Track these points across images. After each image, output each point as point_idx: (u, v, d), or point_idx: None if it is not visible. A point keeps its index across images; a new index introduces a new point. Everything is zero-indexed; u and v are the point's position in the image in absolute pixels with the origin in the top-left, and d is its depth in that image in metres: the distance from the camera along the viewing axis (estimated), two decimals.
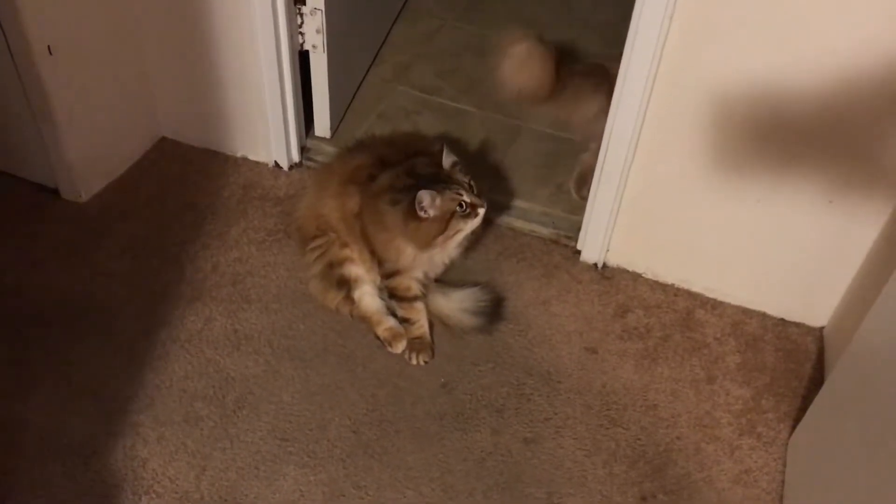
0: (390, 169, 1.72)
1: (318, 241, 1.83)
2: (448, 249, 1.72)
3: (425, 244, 1.66)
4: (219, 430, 1.66)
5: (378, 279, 1.83)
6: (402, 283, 1.78)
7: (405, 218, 1.63)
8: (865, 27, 1.49)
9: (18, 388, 1.70)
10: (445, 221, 1.63)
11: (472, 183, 1.66)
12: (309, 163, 2.24)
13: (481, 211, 1.65)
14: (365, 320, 1.85)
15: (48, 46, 1.83)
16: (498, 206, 2.15)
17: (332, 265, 1.82)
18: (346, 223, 1.79)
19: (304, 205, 1.93)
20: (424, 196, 1.59)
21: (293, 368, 1.78)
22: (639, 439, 1.70)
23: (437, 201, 1.60)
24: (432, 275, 1.84)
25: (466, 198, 1.63)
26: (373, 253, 1.78)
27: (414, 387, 1.77)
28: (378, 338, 1.84)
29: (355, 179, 1.77)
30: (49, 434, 1.64)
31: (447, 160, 1.68)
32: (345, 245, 1.81)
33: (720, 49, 1.62)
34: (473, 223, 1.66)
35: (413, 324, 1.82)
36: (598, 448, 1.68)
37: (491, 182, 2.21)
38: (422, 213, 1.61)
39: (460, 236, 1.68)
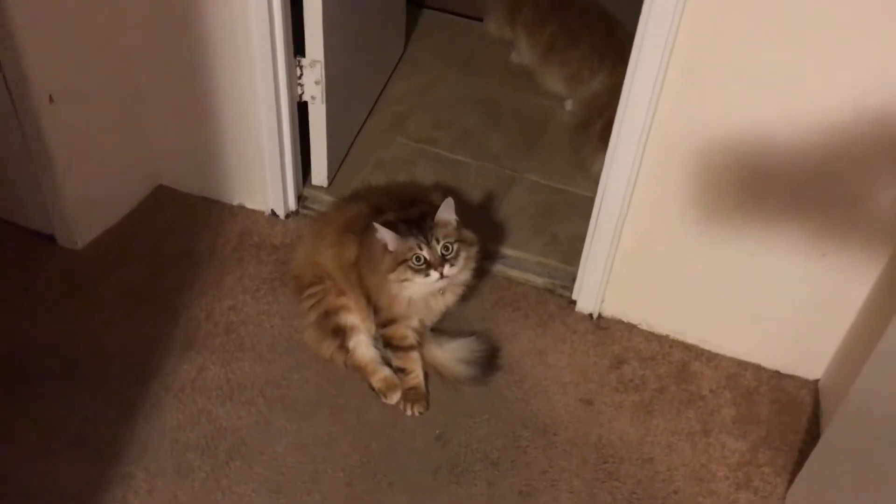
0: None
1: (314, 289, 1.83)
2: (408, 292, 1.68)
3: (380, 272, 1.67)
4: (210, 481, 1.64)
5: (373, 329, 1.83)
6: (397, 331, 1.78)
7: (376, 242, 1.66)
8: (855, 84, 1.52)
9: (7, 437, 1.68)
10: (396, 263, 1.64)
11: (450, 245, 1.65)
12: (306, 211, 2.25)
13: (434, 273, 1.63)
14: (359, 370, 1.84)
15: (49, 95, 1.85)
16: (493, 256, 2.16)
17: (328, 313, 1.82)
18: (342, 271, 1.80)
19: (301, 253, 1.94)
20: (381, 228, 1.62)
21: (286, 419, 1.76)
22: (635, 493, 1.68)
23: (393, 244, 1.63)
24: (428, 323, 1.84)
25: (426, 254, 1.62)
26: (369, 301, 1.78)
27: (408, 438, 1.75)
28: (372, 388, 1.83)
29: (352, 228, 1.78)
30: (38, 485, 1.61)
31: (444, 214, 1.68)
32: (341, 293, 1.81)
33: (713, 104, 1.65)
34: (426, 282, 1.64)
35: (408, 374, 1.81)
36: (594, 502, 1.66)
37: (486, 231, 2.21)
38: (383, 242, 1.64)
39: (411, 287, 1.66)
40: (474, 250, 1.73)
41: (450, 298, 1.78)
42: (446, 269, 1.64)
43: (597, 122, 2.39)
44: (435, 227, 1.65)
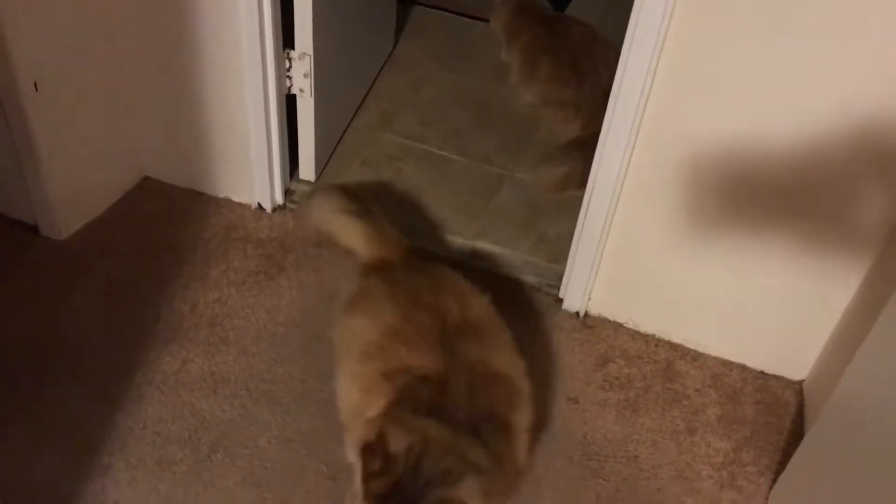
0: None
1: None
2: None
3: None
4: (192, 474, 1.63)
5: None
6: None
7: None
8: (841, 90, 1.53)
9: None
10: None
11: None
12: (293, 206, 2.24)
13: None
14: None
15: (35, 83, 1.83)
16: (481, 254, 2.15)
17: None
18: None
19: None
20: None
21: (270, 413, 1.75)
22: (619, 491, 1.68)
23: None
24: None
25: None
26: None
27: None
28: None
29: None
30: (18, 477, 1.59)
31: None
32: None
33: (700, 110, 1.66)
34: None
35: None
36: (578, 500, 1.66)
37: (474, 229, 2.21)
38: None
39: None
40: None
41: None
42: None
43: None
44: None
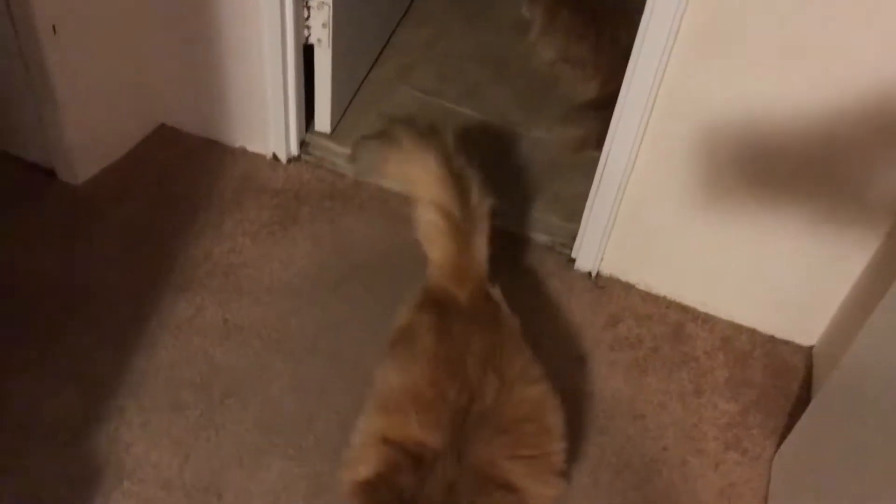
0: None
1: None
2: None
3: None
4: (204, 418, 1.65)
5: None
6: None
7: None
8: (860, 58, 1.51)
9: (2, 369, 1.68)
10: None
11: None
12: (307, 157, 2.23)
13: None
14: None
15: (53, 26, 1.82)
16: (494, 211, 2.14)
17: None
18: None
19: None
20: None
21: (282, 362, 1.77)
22: (625, 448, 1.70)
23: None
24: None
25: None
26: None
27: None
28: None
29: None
30: (31, 416, 1.62)
31: None
32: None
33: (719, 75, 1.63)
34: None
35: None
36: (584, 455, 1.68)
37: (488, 186, 2.20)
38: None
39: None
40: None
41: None
42: None
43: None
44: None
